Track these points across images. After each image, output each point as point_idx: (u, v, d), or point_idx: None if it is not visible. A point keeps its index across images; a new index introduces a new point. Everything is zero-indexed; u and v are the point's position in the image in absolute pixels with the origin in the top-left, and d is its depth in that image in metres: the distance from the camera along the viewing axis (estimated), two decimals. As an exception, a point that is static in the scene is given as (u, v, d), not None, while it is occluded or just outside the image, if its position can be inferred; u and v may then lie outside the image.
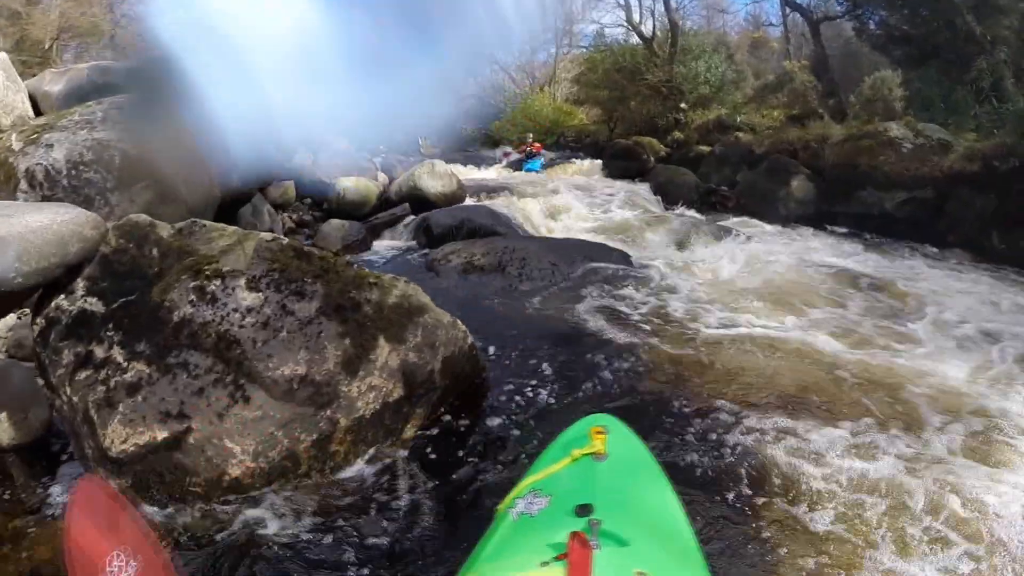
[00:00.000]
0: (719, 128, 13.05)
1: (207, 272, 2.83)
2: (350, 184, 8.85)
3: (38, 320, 2.74)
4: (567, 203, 10.07)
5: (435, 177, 9.30)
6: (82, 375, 2.59)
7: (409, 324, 3.25)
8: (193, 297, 2.75)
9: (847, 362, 4.12)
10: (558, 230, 8.89)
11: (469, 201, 9.61)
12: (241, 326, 2.74)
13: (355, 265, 3.39)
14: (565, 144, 16.64)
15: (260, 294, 2.86)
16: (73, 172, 4.31)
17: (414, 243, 7.97)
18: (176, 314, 2.70)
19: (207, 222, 3.13)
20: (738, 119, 13.02)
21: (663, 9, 15.90)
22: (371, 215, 8.66)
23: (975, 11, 9.91)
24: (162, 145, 4.62)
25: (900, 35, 11.74)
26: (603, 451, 1.85)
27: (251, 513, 2.54)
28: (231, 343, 2.69)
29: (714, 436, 3.14)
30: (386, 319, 3.17)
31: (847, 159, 10.19)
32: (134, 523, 1.63)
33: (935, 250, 8.42)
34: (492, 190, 10.31)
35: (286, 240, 3.20)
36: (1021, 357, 4.33)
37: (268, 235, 3.17)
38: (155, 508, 2.51)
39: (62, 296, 2.73)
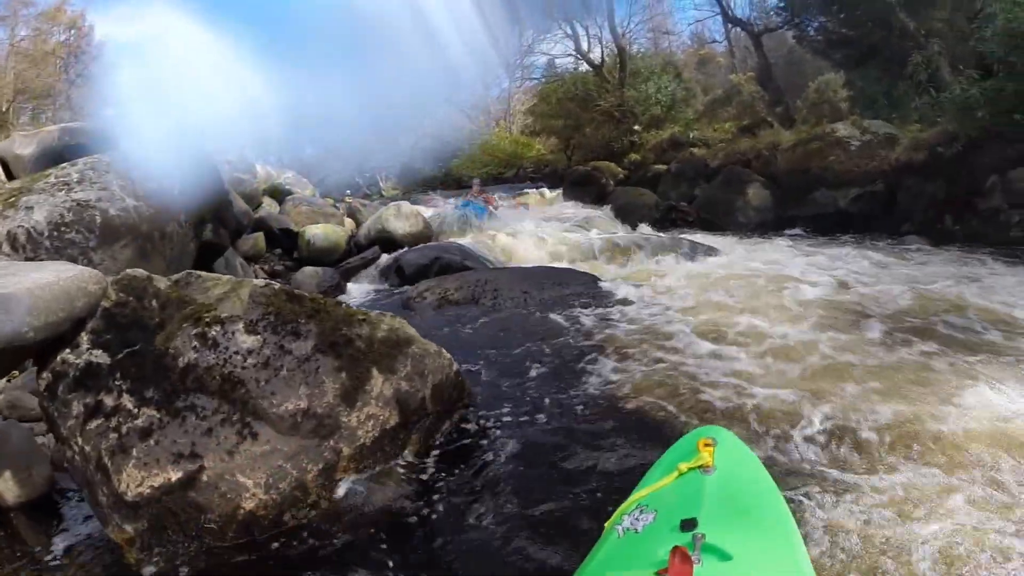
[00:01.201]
0: (673, 146, 13.48)
1: (207, 319, 2.97)
2: (319, 231, 9.01)
3: (44, 375, 2.84)
4: (532, 232, 10.33)
5: (402, 218, 9.53)
6: (93, 424, 2.69)
7: (399, 355, 3.42)
8: (196, 343, 2.88)
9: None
10: (527, 259, 9.12)
11: (437, 239, 9.84)
12: (243, 367, 2.88)
13: (343, 304, 3.57)
14: (525, 176, 16.99)
15: (258, 336, 3.01)
16: (55, 233, 4.42)
17: (387, 284, 8.13)
18: (181, 360, 2.83)
19: (201, 272, 3.29)
20: (691, 135, 13.48)
21: (610, 36, 16.39)
22: (342, 260, 8.83)
23: (907, 7, 10.42)
24: (138, 202, 4.77)
25: (838, 38, 12.25)
26: (711, 464, 1.85)
27: (268, 546, 2.68)
28: (235, 384, 2.83)
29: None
30: (377, 352, 3.33)
31: (799, 163, 10.68)
32: None
33: (892, 240, 8.81)
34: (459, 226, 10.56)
35: (277, 285, 3.36)
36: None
37: (260, 281, 3.33)
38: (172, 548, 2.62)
39: (67, 350, 2.84)
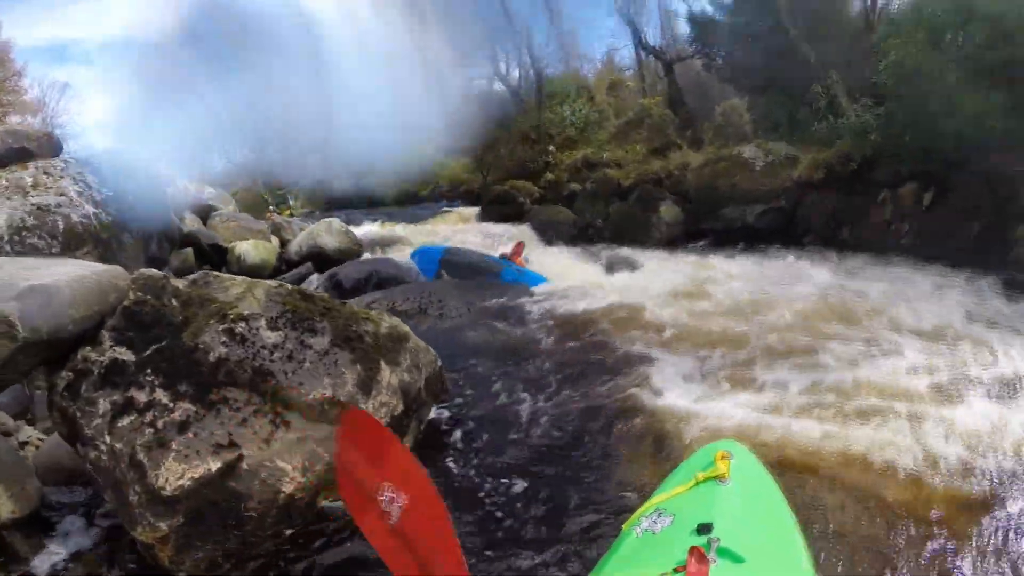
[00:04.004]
0: (587, 166, 13.89)
1: (231, 316, 3.01)
2: (248, 247, 8.87)
3: (63, 374, 2.80)
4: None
5: (333, 234, 9.52)
6: (125, 421, 2.67)
7: (400, 350, 3.59)
8: (225, 339, 2.91)
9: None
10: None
11: (367, 255, 9.85)
12: (271, 360, 2.94)
13: (347, 303, 3.69)
14: (441, 195, 17.10)
15: (280, 332, 3.08)
16: (16, 238, 4.26)
17: (327, 299, 8.08)
18: (211, 355, 2.85)
19: (216, 273, 3.33)
20: (604, 156, 13.95)
21: (528, 60, 16.77)
22: (274, 276, 8.66)
23: (808, 41, 11.35)
24: (97, 209, 4.67)
25: (744, 68, 13.07)
26: (727, 475, 1.97)
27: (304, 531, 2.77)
28: (265, 375, 2.88)
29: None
30: (383, 346, 3.48)
31: (708, 182, 11.38)
32: (401, 457, 1.72)
33: (795, 250, 9.37)
34: (386, 243, 10.61)
35: (289, 286, 3.45)
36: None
37: (272, 282, 3.41)
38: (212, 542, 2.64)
39: (88, 348, 2.81)
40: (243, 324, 3.01)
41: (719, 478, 1.97)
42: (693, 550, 1.47)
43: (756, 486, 2.09)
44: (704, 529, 1.66)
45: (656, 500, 2.00)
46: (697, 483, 1.99)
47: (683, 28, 15.59)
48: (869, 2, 11.88)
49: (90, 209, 4.61)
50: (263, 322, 3.07)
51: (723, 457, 2.05)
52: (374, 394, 3.21)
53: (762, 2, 12.01)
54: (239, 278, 3.32)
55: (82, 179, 4.76)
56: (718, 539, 1.59)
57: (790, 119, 11.67)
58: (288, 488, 2.73)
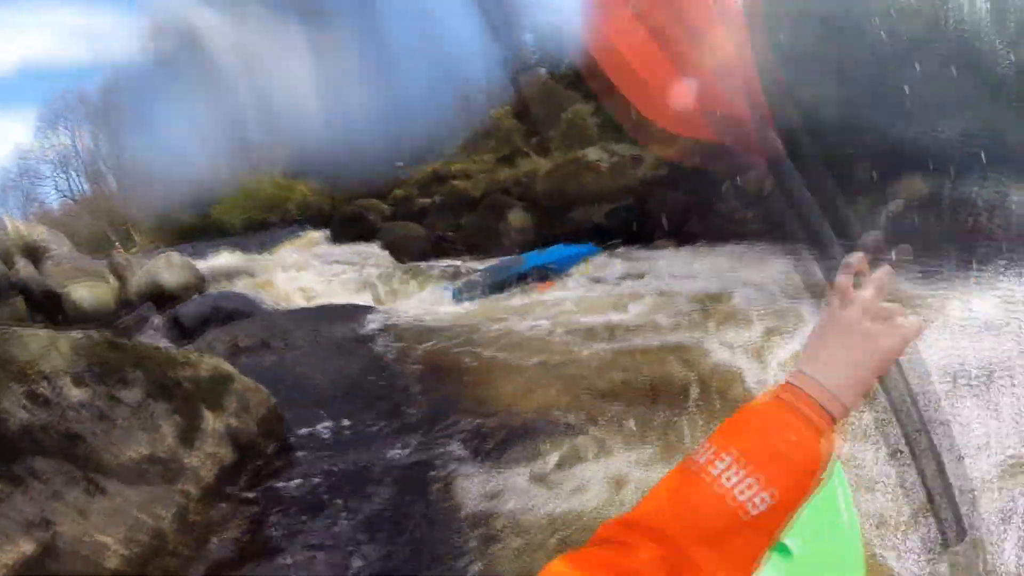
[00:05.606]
0: (436, 180, 14.07)
1: (32, 376, 2.92)
2: (84, 292, 8.42)
3: None
4: (307, 275, 10.39)
5: (174, 270, 9.15)
6: (-82, 506, 2.58)
7: (224, 393, 3.56)
8: (26, 402, 2.83)
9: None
10: (307, 301, 9.19)
11: (211, 291, 9.53)
12: (79, 422, 2.88)
13: (161, 348, 3.64)
14: (291, 218, 16.71)
15: (88, 388, 2.99)
16: None
17: (168, 341, 7.79)
18: (12, 422, 2.77)
19: (14, 326, 3.20)
20: (452, 168, 14.13)
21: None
22: (113, 320, 8.25)
23: None
24: None
25: (589, 70, 13.62)
26: None
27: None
28: (74, 440, 2.82)
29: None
30: (204, 391, 3.45)
31: (556, 186, 11.79)
32: None
33: (646, 245, 9.98)
34: (231, 274, 10.28)
35: (96, 335, 3.36)
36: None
37: (77, 333, 3.31)
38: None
39: None
40: (45, 383, 2.92)
41: None
42: None
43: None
44: None
45: None
46: None
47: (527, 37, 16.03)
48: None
49: None
50: (68, 379, 2.99)
51: None
52: (198, 445, 3.18)
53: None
54: (42, 332, 3.18)
55: None
56: None
57: (634, 119, 12.26)
58: (112, 563, 2.66)
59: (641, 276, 7.84)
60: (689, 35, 1.10)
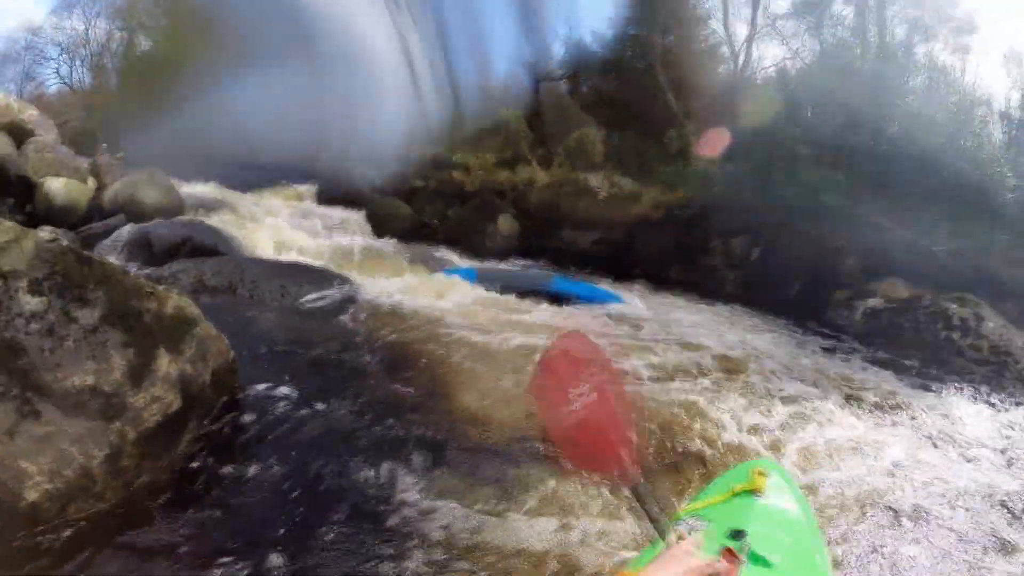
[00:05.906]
0: (435, 164, 13.85)
1: (-13, 271, 2.67)
2: (59, 186, 8.02)
3: None
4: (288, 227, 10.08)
5: (155, 188, 8.76)
6: None
7: (185, 335, 3.35)
8: (-26, 300, 2.59)
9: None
10: (280, 253, 8.89)
11: (188, 215, 9.15)
12: (27, 333, 2.65)
13: (131, 273, 3.36)
14: (283, 162, 16.17)
15: (43, 298, 2.78)
16: None
17: (132, 261, 7.43)
18: (-46, 319, 2.53)
19: (-17, 215, 2.93)
20: (453, 158, 13.91)
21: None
22: (82, 224, 7.86)
23: (675, 90, 12.08)
24: None
25: (608, 98, 13.65)
26: (762, 489, 2.08)
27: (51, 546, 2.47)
28: (17, 351, 2.59)
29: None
30: (165, 329, 3.24)
31: (550, 202, 11.79)
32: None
33: (623, 281, 9.77)
34: (210, 206, 9.90)
35: (65, 242, 3.11)
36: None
37: (46, 234, 3.06)
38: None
39: None
40: (0, 283, 2.67)
41: (755, 492, 2.08)
42: (726, 550, 1.57)
43: (788, 502, 2.19)
44: (738, 535, 1.73)
45: (694, 506, 2.12)
46: (733, 494, 2.11)
47: (559, 49, 15.96)
48: (737, 67, 12.83)
49: None
50: (25, 283, 2.75)
51: (760, 473, 2.16)
52: (146, 385, 2.98)
53: (640, 46, 12.59)
54: (7, 223, 2.95)
55: None
56: (749, 544, 1.67)
57: (640, 158, 12.28)
58: (32, 495, 2.46)
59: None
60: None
